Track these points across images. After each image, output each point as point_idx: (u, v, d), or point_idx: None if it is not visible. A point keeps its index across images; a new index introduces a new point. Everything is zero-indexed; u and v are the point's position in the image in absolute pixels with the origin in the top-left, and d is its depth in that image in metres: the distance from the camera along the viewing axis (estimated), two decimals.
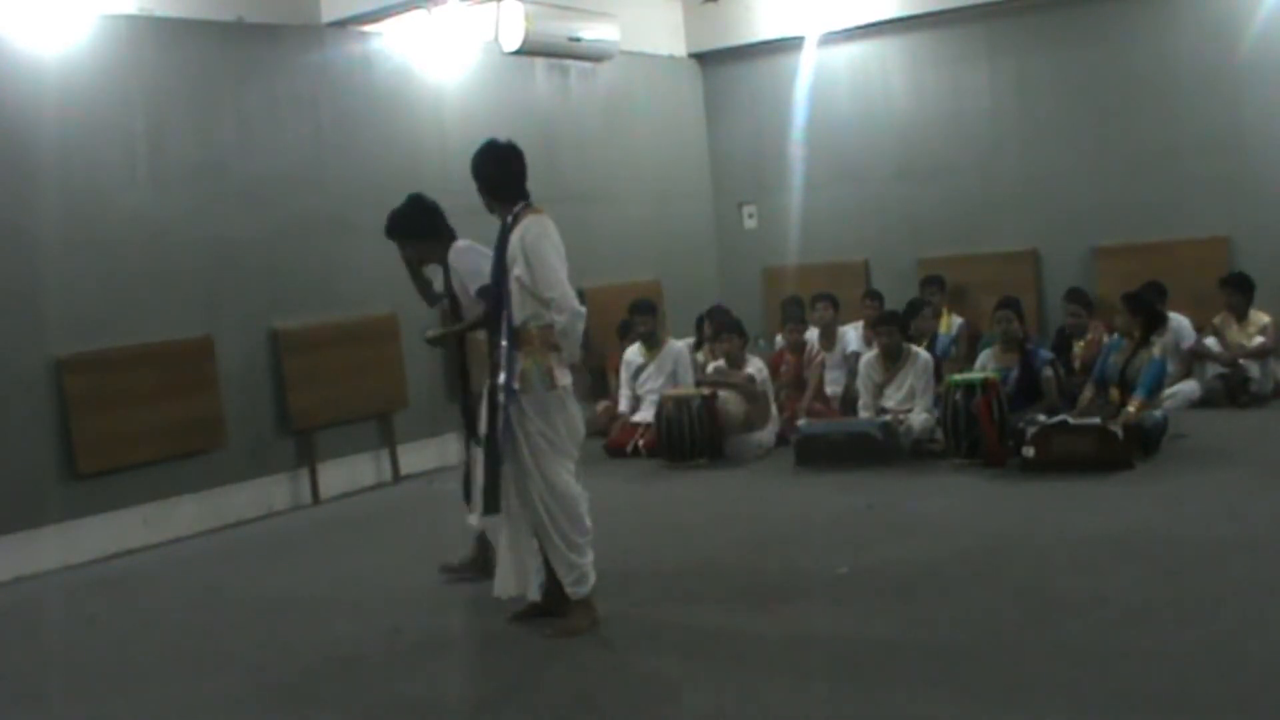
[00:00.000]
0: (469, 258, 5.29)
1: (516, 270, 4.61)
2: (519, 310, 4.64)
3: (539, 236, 4.61)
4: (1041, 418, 7.07)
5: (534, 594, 4.88)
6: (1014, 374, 7.62)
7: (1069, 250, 9.67)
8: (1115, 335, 7.69)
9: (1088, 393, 7.39)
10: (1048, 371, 7.66)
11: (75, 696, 4.67)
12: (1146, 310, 7.44)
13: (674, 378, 8.67)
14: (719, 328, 8.58)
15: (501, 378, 4.65)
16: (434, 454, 8.39)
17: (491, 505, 4.78)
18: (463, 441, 5.56)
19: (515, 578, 4.85)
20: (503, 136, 4.91)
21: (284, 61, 7.88)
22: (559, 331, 4.64)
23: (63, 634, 5.51)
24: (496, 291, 4.73)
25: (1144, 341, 7.34)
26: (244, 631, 5.24)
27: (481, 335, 5.17)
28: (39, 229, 6.65)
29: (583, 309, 4.71)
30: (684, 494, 7.33)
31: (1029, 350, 7.77)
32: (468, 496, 5.46)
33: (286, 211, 7.79)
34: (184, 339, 7.25)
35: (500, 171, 4.77)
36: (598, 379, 9.67)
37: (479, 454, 5.26)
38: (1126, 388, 7.23)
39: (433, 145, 8.41)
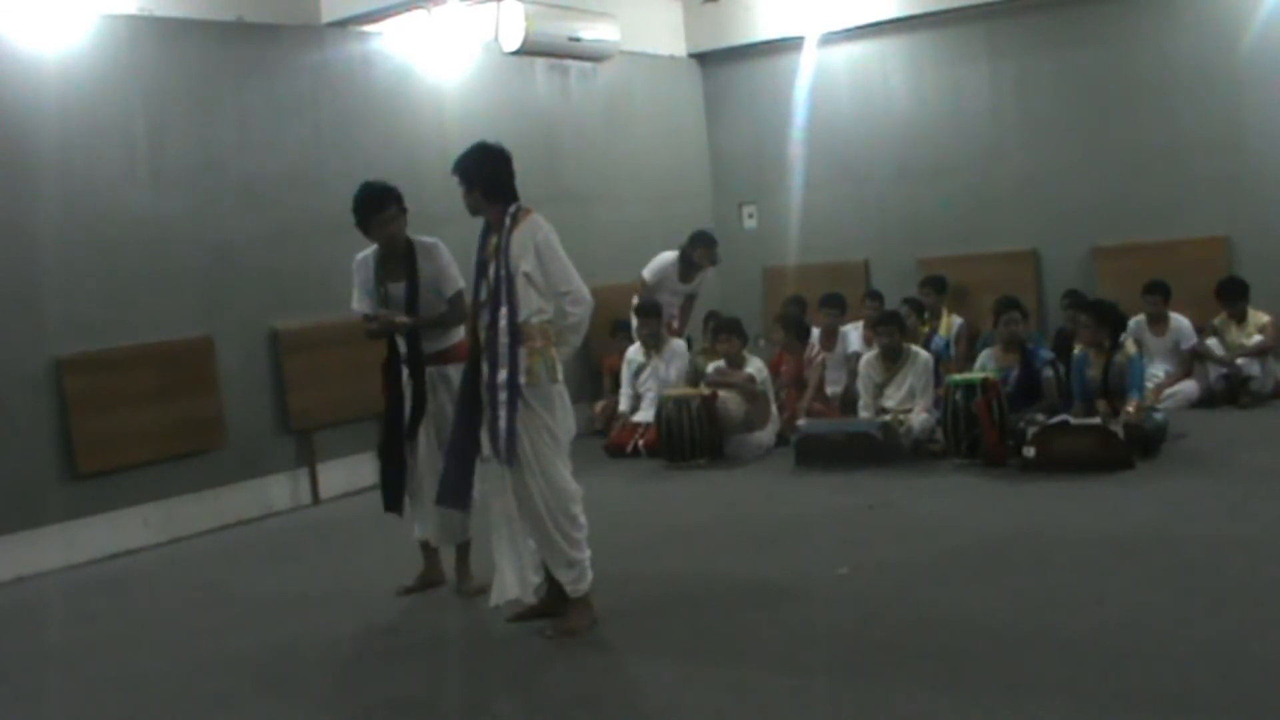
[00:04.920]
0: (448, 255, 5.37)
1: (525, 267, 4.66)
2: (524, 307, 4.67)
3: (550, 233, 4.74)
4: (1041, 418, 7.07)
5: (531, 597, 4.88)
6: (1014, 374, 7.62)
7: (1069, 250, 9.67)
8: (1080, 350, 7.61)
9: (1077, 410, 7.32)
10: (1048, 372, 7.66)
11: (75, 696, 4.67)
12: (1111, 317, 7.43)
13: (673, 378, 8.68)
14: (719, 328, 8.60)
15: (502, 374, 4.67)
16: None
17: (463, 499, 4.88)
18: (379, 447, 5.51)
19: (516, 582, 4.85)
20: (503, 137, 4.94)
21: (284, 61, 7.89)
22: (572, 325, 4.78)
23: (63, 634, 5.51)
24: (476, 293, 4.84)
25: (1114, 347, 7.33)
26: (244, 631, 5.24)
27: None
28: (39, 229, 6.64)
29: (593, 301, 4.83)
30: (684, 494, 7.33)
31: (1029, 350, 7.77)
32: (388, 506, 5.46)
33: (286, 211, 7.79)
34: (184, 339, 7.25)
35: (501, 172, 4.82)
36: (593, 378, 9.68)
37: (426, 455, 5.35)
38: (1114, 395, 7.21)
39: (433, 145, 8.40)
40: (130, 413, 6.92)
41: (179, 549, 6.96)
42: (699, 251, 9.18)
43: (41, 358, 6.64)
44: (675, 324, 9.19)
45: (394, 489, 5.43)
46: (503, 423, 4.67)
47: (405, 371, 5.37)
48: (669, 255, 9.24)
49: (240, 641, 5.10)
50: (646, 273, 9.20)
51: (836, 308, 9.14)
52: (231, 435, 7.44)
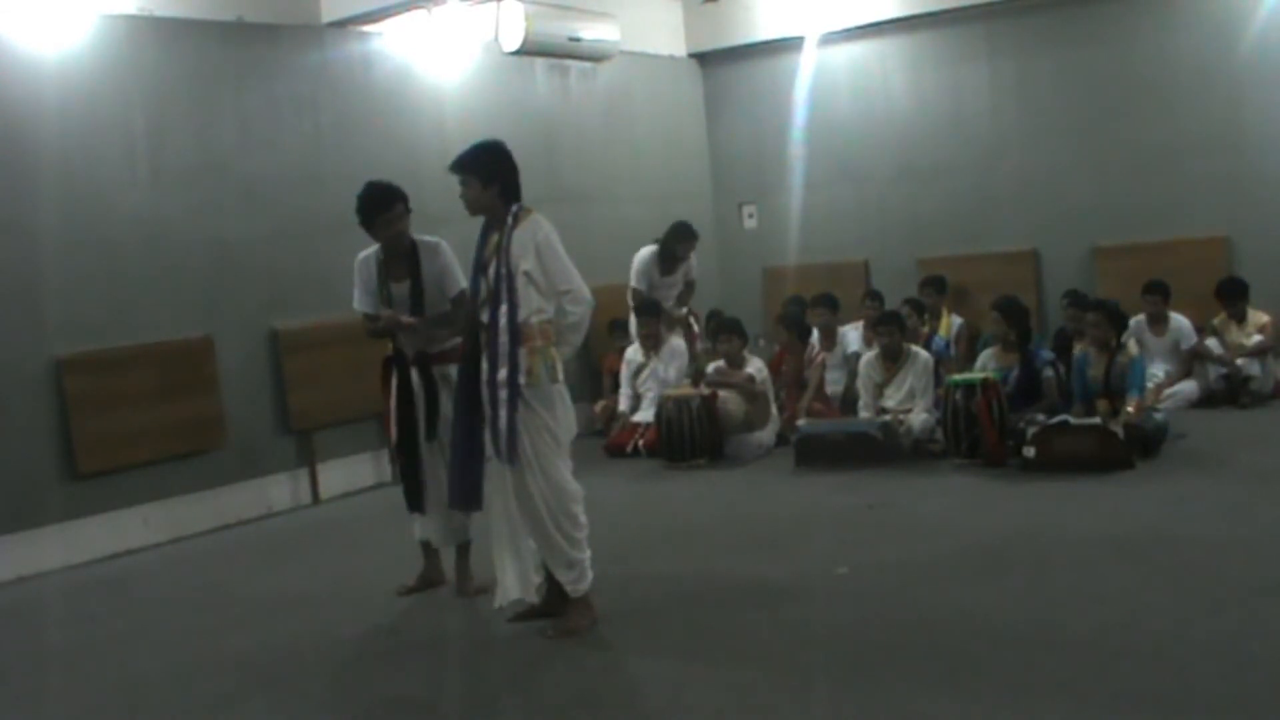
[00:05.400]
0: (451, 254, 5.36)
1: (526, 266, 4.66)
2: (524, 306, 4.67)
3: (550, 233, 4.75)
4: (1041, 418, 7.07)
5: (534, 597, 4.88)
6: (1014, 374, 7.61)
7: (1069, 250, 9.68)
8: (1080, 349, 7.61)
9: (1077, 410, 7.30)
10: (1048, 372, 7.66)
11: (75, 696, 4.67)
12: (1119, 318, 7.45)
13: (674, 377, 8.68)
14: (719, 328, 8.59)
15: (502, 373, 4.67)
16: None
17: (476, 500, 4.87)
18: (397, 446, 5.46)
19: (518, 582, 4.85)
20: (503, 136, 4.93)
21: (284, 61, 7.89)
22: (572, 324, 4.77)
23: (63, 634, 5.50)
24: (475, 291, 4.85)
25: (1116, 347, 7.33)
26: (244, 631, 5.24)
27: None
28: (39, 229, 6.65)
29: (593, 300, 4.83)
30: (684, 494, 7.33)
31: (1029, 351, 7.77)
32: (412, 506, 5.44)
33: (286, 211, 7.79)
34: (184, 339, 7.26)
35: (514, 172, 4.83)
36: (593, 378, 9.68)
37: (429, 456, 5.34)
38: (1115, 395, 7.20)
39: (433, 145, 8.40)
40: (130, 413, 6.91)
41: (179, 549, 6.96)
42: (683, 245, 9.05)
43: (41, 358, 6.64)
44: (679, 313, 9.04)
45: (413, 488, 5.41)
46: (503, 422, 4.67)
47: (414, 372, 5.35)
48: (646, 253, 9.03)
49: (240, 641, 5.10)
50: (634, 281, 9.01)
51: (826, 307, 9.14)
52: (231, 435, 7.44)
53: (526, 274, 4.66)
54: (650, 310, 8.83)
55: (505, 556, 4.85)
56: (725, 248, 11.41)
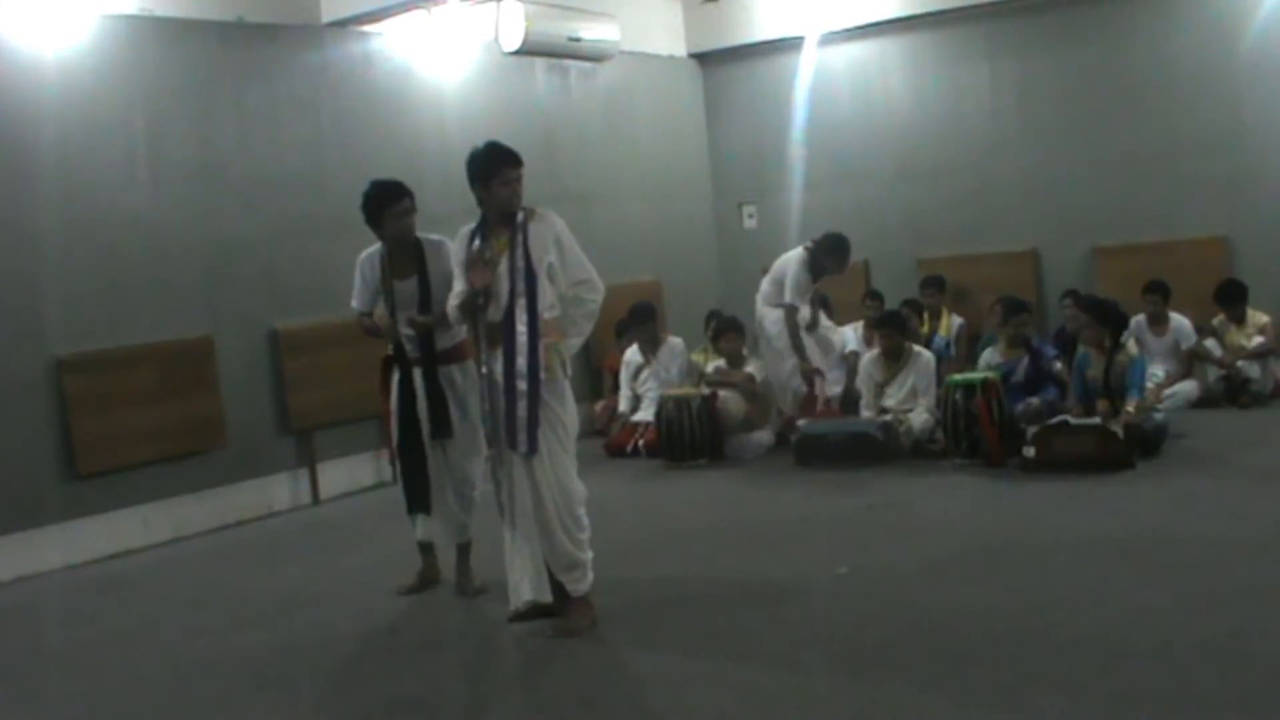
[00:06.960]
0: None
1: (549, 259, 4.73)
2: (541, 300, 4.70)
3: (565, 227, 4.84)
4: (1036, 401, 7.06)
5: (546, 596, 4.87)
6: (1023, 364, 7.59)
7: (1069, 250, 9.68)
8: (1080, 349, 7.58)
9: (1075, 411, 7.29)
10: (1057, 365, 7.67)
11: (75, 696, 4.67)
12: (1113, 317, 7.41)
13: (675, 377, 8.68)
14: (719, 328, 8.59)
15: (521, 361, 4.66)
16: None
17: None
18: (399, 446, 5.43)
19: (531, 585, 4.84)
20: (503, 137, 4.94)
21: (284, 61, 7.89)
22: (588, 312, 4.87)
23: (63, 634, 5.51)
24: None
25: (1115, 347, 7.32)
26: (244, 631, 5.24)
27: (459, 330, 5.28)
28: (39, 229, 6.65)
29: (604, 289, 4.93)
30: (684, 494, 7.33)
31: (1035, 348, 7.77)
32: (415, 507, 5.44)
33: (286, 211, 7.79)
34: (184, 339, 7.26)
35: None
36: (593, 378, 9.68)
37: (435, 455, 5.34)
38: (1114, 395, 7.20)
39: (433, 145, 8.41)
40: (130, 413, 6.92)
41: (179, 549, 6.97)
42: (836, 262, 8.29)
43: (41, 358, 6.64)
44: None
45: (419, 488, 5.39)
46: (522, 412, 4.67)
47: (416, 372, 5.34)
48: (799, 264, 8.24)
49: (240, 641, 5.10)
50: (792, 297, 8.17)
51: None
52: (231, 435, 7.44)
53: (549, 267, 4.72)
54: (646, 314, 8.84)
55: (518, 558, 4.85)
56: (725, 248, 11.42)
